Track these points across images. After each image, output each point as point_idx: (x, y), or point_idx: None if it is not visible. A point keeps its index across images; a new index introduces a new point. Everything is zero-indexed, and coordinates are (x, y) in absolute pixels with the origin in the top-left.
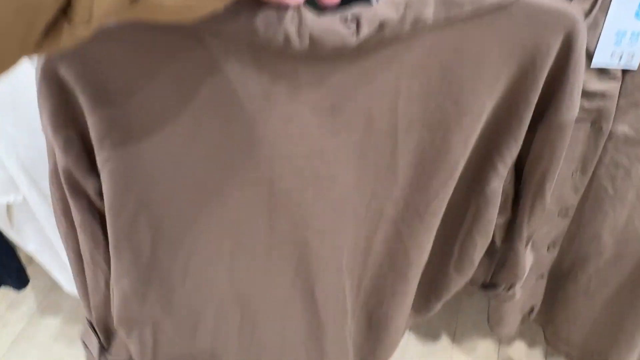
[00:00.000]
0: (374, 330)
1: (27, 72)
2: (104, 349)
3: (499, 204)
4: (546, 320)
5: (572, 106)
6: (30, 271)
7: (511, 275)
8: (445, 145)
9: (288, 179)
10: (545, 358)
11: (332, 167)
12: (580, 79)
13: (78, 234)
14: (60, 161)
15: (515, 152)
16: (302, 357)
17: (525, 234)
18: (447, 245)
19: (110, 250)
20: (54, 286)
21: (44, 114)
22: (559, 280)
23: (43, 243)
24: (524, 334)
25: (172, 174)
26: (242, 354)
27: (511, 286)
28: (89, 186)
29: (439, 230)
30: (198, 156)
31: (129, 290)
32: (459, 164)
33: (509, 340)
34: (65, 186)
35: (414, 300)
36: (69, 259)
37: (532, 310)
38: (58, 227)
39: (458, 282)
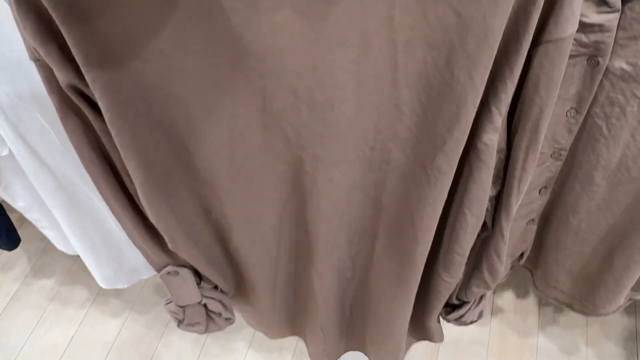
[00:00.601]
0: (378, 324)
1: (5, 16)
2: (200, 279)
3: (493, 168)
4: (535, 264)
5: (573, 19)
6: (21, 234)
7: (487, 276)
8: (448, 71)
9: (280, 96)
10: (538, 308)
11: (328, 90)
12: None
13: (117, 160)
14: (62, 78)
15: (511, 87)
16: (291, 271)
17: (513, 203)
18: (436, 236)
19: (125, 165)
20: (46, 248)
21: (28, 31)
22: (550, 224)
23: (32, 199)
24: (517, 285)
25: (161, 90)
26: (234, 265)
27: (481, 298)
28: None
29: None
30: (185, 70)
31: (145, 202)
32: (465, 103)
33: (500, 287)
34: (80, 105)
35: (412, 317)
36: (119, 211)
37: (522, 256)
38: (92, 174)
39: (448, 285)
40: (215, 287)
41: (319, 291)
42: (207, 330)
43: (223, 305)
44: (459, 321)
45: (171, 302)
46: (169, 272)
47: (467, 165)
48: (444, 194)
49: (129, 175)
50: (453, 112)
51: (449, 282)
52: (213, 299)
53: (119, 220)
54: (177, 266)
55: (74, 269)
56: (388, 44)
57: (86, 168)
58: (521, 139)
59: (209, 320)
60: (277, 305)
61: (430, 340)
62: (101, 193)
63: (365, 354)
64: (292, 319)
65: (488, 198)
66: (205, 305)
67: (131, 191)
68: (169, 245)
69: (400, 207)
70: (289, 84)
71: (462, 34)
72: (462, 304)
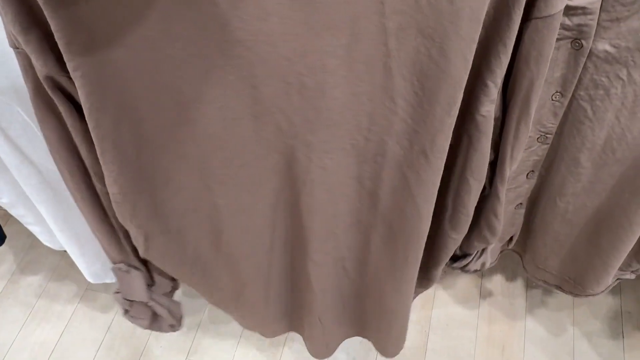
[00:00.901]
0: (382, 308)
1: None
2: (149, 286)
3: (491, 135)
4: (524, 248)
5: None
6: (7, 231)
7: (486, 233)
8: (443, 58)
9: (270, 84)
10: (526, 291)
11: (318, 75)
12: None
13: (85, 157)
14: (40, 69)
15: (505, 61)
16: (286, 263)
17: (507, 169)
18: (440, 198)
19: (99, 158)
20: (33, 244)
21: (8, 17)
22: (537, 207)
23: (16, 195)
24: (505, 268)
25: (148, 79)
26: (225, 259)
27: (483, 251)
28: (75, 90)
29: None
30: (173, 58)
31: (120, 198)
32: (461, 82)
33: (489, 271)
34: (55, 98)
35: None
36: (81, 203)
37: (511, 240)
38: (58, 164)
39: (456, 241)
40: (169, 293)
41: (316, 281)
42: (150, 327)
43: (170, 312)
44: (463, 269)
45: (120, 292)
46: (120, 269)
47: (466, 137)
48: (442, 167)
49: (96, 173)
50: (451, 94)
51: (456, 238)
52: (161, 305)
53: (80, 210)
54: (129, 266)
55: (61, 265)
56: (378, 29)
57: (54, 159)
58: (513, 110)
59: (153, 319)
60: (272, 299)
61: (426, 288)
62: (65, 183)
63: (366, 338)
64: (289, 313)
65: (488, 163)
66: (152, 307)
67: (97, 189)
68: (141, 250)
69: (400, 196)
70: (278, 70)
71: (455, 20)
72: (465, 255)
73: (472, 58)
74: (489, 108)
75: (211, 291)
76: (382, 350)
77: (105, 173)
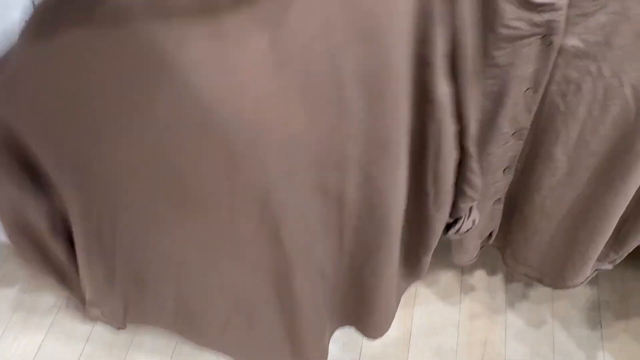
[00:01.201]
0: (362, 293)
1: None
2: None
3: (454, 110)
4: (504, 243)
5: None
6: None
7: (468, 191)
8: (386, 54)
9: (242, 134)
10: (506, 285)
11: (280, 109)
12: None
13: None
14: (30, 215)
15: (446, 35)
16: (273, 297)
17: (472, 127)
18: (420, 186)
19: (80, 253)
20: (7, 257)
21: None
22: (515, 202)
23: None
24: (485, 263)
25: (128, 167)
26: (210, 302)
27: (470, 210)
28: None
29: (408, 172)
30: (150, 140)
31: (101, 280)
32: (402, 70)
33: (470, 267)
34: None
35: (404, 262)
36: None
37: (490, 235)
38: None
39: (441, 221)
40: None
41: (305, 298)
42: None
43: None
44: (457, 234)
45: None
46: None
47: (432, 120)
48: (401, 153)
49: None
50: (397, 84)
51: (441, 219)
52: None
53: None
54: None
55: (37, 276)
56: (327, 48)
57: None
58: (463, 77)
59: None
60: (258, 332)
61: (417, 278)
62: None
63: (349, 325)
64: (282, 341)
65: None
66: None
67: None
68: (119, 320)
69: (365, 191)
70: (247, 119)
71: (391, 15)
72: (455, 221)
73: (409, 43)
74: (445, 86)
75: (199, 334)
76: (365, 332)
77: (81, 262)
